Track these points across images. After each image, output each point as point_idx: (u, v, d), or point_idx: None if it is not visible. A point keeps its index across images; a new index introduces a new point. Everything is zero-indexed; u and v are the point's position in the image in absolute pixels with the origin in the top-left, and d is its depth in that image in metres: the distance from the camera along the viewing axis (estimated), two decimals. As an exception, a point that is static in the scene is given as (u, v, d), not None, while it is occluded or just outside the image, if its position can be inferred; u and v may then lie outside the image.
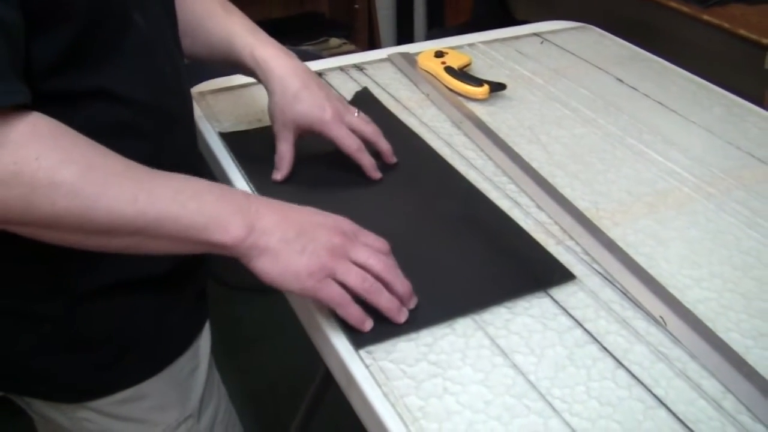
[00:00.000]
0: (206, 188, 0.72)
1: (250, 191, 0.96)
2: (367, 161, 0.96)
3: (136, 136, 0.79)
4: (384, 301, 0.75)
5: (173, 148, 0.84)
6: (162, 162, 0.75)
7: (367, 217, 0.90)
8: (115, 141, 0.72)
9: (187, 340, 0.91)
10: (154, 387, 0.87)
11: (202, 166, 1.00)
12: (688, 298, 0.79)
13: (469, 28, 2.69)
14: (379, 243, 0.79)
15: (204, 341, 0.94)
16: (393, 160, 0.99)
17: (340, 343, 0.75)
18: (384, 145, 0.98)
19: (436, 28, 2.78)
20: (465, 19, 2.73)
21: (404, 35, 2.83)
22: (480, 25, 2.69)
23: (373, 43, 2.73)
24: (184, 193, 0.70)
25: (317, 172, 0.99)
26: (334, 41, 2.57)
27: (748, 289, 0.81)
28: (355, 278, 0.74)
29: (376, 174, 0.96)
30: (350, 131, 0.95)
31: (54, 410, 0.86)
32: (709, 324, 0.76)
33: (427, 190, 0.95)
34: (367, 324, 0.75)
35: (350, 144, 0.95)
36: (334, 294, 0.73)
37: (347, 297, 0.74)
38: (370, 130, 0.97)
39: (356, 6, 2.50)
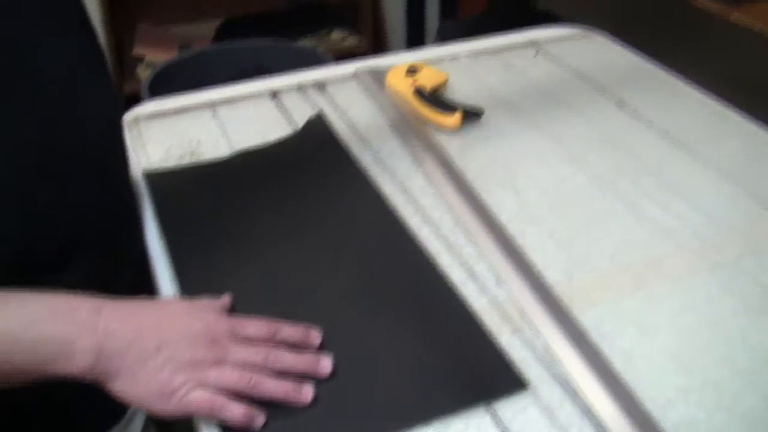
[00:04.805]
0: (45, 308, 0.59)
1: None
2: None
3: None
4: (274, 388, 0.62)
5: (74, 202, 0.70)
6: (61, 224, 0.63)
7: (275, 291, 0.74)
8: None
9: None
10: None
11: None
12: (669, 419, 0.62)
13: (485, 20, 2.50)
14: (263, 328, 0.65)
15: None
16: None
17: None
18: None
19: (449, 21, 2.59)
20: (481, 9, 2.54)
21: (414, 27, 2.64)
22: (495, 17, 2.50)
23: (378, 36, 2.55)
24: (17, 321, 0.58)
25: (233, 222, 0.83)
26: (337, 35, 2.39)
27: (749, 408, 0.63)
28: (230, 378, 0.61)
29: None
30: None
31: None
32: (694, 464, 0.58)
33: (361, 255, 0.78)
34: (259, 419, 0.61)
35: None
36: (203, 402, 0.60)
37: (220, 398, 0.60)
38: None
39: (360, -1, 2.32)
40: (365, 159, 0.94)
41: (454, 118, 0.98)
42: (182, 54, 2.21)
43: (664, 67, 1.15)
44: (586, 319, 0.71)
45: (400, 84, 1.06)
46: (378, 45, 2.54)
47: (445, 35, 2.43)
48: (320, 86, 1.11)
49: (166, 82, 1.95)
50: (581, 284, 0.75)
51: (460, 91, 1.08)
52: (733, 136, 0.98)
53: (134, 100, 1.92)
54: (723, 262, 0.78)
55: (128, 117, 1.05)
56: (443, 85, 1.08)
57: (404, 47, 2.67)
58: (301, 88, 1.10)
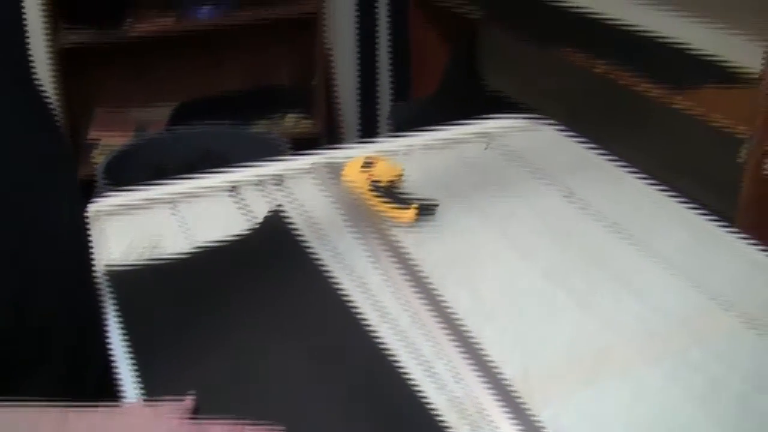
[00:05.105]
0: (7, 424, 0.59)
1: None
2: None
3: None
4: None
5: (43, 303, 0.70)
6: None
7: (238, 389, 0.76)
8: None
9: None
10: None
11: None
12: None
13: (437, 101, 2.57)
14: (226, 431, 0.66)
15: None
16: None
17: None
18: None
19: (402, 102, 2.65)
20: (433, 91, 2.61)
21: (367, 109, 2.69)
22: (447, 98, 2.57)
23: (332, 119, 2.60)
24: None
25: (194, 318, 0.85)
26: (290, 118, 2.43)
27: (700, 502, 0.65)
28: None
29: None
30: None
31: None
32: None
33: (322, 354, 0.80)
34: None
35: None
36: None
37: None
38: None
39: (313, 83, 2.36)
40: (323, 255, 0.96)
41: (410, 213, 1.01)
42: (137, 138, 2.23)
43: (609, 156, 1.20)
44: (543, 414, 0.73)
45: (356, 178, 1.10)
46: (331, 128, 2.59)
47: (398, 116, 2.49)
48: (278, 180, 1.14)
49: (121, 167, 1.97)
50: (537, 379, 0.77)
51: (415, 184, 1.12)
52: (677, 226, 1.02)
53: (89, 184, 1.93)
54: (670, 352, 0.81)
55: (90, 212, 1.06)
56: (398, 178, 1.11)
57: (358, 129, 2.72)
58: (259, 182, 1.13)
